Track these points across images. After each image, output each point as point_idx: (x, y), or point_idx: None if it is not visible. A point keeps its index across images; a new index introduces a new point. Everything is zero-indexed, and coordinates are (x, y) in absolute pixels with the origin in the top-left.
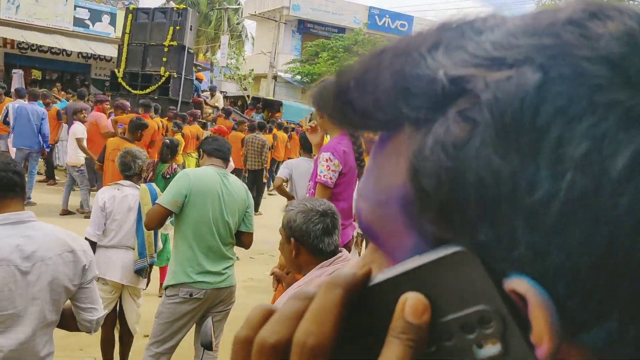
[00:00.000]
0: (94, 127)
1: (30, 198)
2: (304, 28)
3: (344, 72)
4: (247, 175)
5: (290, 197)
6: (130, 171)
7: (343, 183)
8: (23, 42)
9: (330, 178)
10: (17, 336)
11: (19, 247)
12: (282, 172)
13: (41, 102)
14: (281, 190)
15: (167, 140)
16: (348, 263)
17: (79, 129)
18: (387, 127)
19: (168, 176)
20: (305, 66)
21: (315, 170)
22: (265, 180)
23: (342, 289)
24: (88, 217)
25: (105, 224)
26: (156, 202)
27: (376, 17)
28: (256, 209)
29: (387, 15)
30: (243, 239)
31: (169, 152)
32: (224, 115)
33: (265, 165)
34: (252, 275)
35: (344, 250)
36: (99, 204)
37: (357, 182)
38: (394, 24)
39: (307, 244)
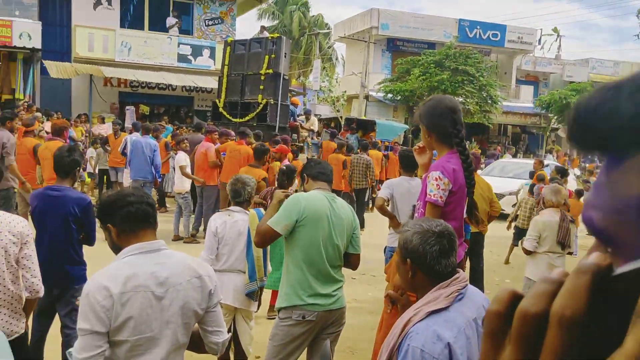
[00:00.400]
0: (203, 156)
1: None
2: (394, 46)
3: (583, 102)
4: (352, 194)
5: (392, 217)
6: (240, 197)
7: (453, 202)
8: (134, 81)
9: (441, 197)
10: (154, 358)
11: (153, 274)
12: (383, 192)
13: (152, 135)
14: (383, 210)
15: (284, 167)
16: (583, 259)
17: (181, 158)
18: (625, 150)
19: None
20: (397, 84)
21: (424, 189)
22: (373, 196)
23: (590, 275)
24: (187, 242)
25: (218, 249)
26: (268, 222)
27: (466, 29)
28: (362, 226)
29: (478, 27)
30: (351, 260)
31: (285, 178)
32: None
33: (370, 184)
34: (356, 296)
35: (461, 271)
36: (211, 230)
37: (467, 200)
38: (485, 35)
39: (423, 265)
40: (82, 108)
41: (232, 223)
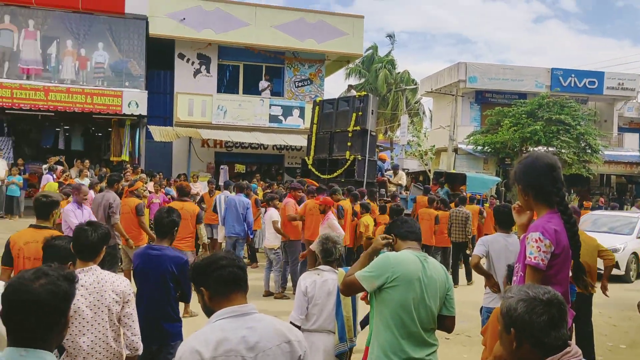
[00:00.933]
0: (283, 212)
1: None
2: (482, 98)
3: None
4: (451, 249)
5: (488, 276)
6: (331, 257)
7: (556, 265)
8: (229, 141)
9: (542, 260)
10: None
11: (244, 338)
12: (478, 250)
13: (245, 193)
14: (479, 269)
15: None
16: None
17: (274, 214)
18: None
19: None
20: (487, 136)
21: (523, 251)
22: (468, 252)
23: None
24: (278, 297)
25: (308, 308)
26: (356, 274)
27: (560, 77)
28: (469, 279)
29: (573, 75)
30: (445, 322)
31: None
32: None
33: (469, 237)
34: (450, 358)
35: (573, 345)
36: (301, 289)
37: (573, 263)
38: (581, 83)
39: (529, 336)
40: (181, 168)
41: (321, 282)
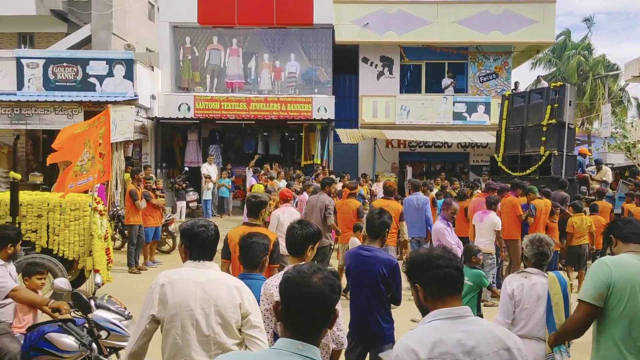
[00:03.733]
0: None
1: None
2: None
3: None
4: None
5: None
6: (547, 260)
7: None
8: (413, 141)
9: None
10: None
11: (460, 342)
12: None
13: (422, 191)
14: None
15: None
16: None
17: (498, 222)
18: None
19: None
20: None
21: None
22: None
23: None
24: (488, 305)
25: (515, 313)
26: (578, 298)
27: None
28: None
29: None
30: None
31: None
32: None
33: None
34: None
35: None
36: (507, 292)
37: None
38: None
39: None
40: (367, 169)
41: (529, 286)
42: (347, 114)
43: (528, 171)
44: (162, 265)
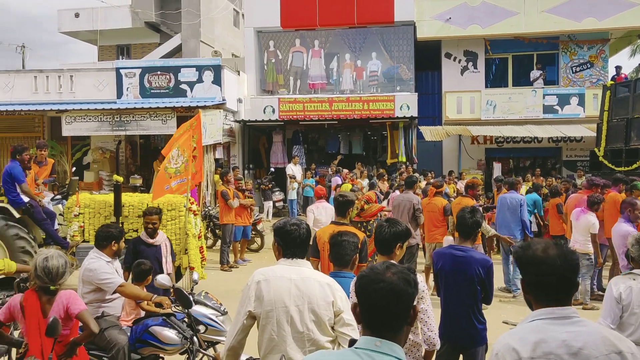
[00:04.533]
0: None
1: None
2: None
3: None
4: None
5: None
6: None
7: None
8: (499, 137)
9: None
10: None
11: (565, 342)
12: None
13: (514, 190)
14: None
15: None
16: None
17: (594, 224)
18: None
19: None
20: None
21: None
22: None
23: None
24: (587, 308)
25: (622, 318)
26: None
27: None
28: None
29: None
30: None
31: None
32: None
33: None
34: None
35: None
36: (613, 295)
37: None
38: None
39: None
40: (452, 166)
41: (639, 289)
42: (430, 110)
43: (635, 165)
44: (252, 263)
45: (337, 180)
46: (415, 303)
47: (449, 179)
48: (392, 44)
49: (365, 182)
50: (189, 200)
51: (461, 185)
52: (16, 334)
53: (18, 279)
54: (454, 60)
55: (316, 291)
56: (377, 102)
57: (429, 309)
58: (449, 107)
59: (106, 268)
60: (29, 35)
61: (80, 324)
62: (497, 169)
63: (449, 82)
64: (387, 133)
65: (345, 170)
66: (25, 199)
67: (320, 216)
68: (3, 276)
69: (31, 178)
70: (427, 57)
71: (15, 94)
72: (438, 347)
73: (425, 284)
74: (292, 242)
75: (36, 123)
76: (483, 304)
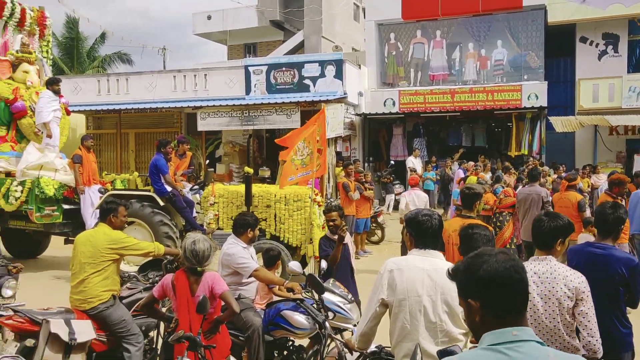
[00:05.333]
0: None
1: None
2: None
3: None
4: None
5: None
6: None
7: None
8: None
9: None
10: None
11: None
12: None
13: None
14: None
15: None
16: None
17: None
18: None
19: None
20: None
21: None
22: None
23: None
24: None
25: None
26: None
27: None
28: None
29: None
30: None
31: None
32: None
33: None
34: None
35: None
36: None
37: None
38: None
39: None
40: (586, 159)
41: None
42: (562, 100)
43: None
44: (372, 255)
45: (459, 173)
46: (572, 304)
47: (583, 173)
48: (519, 31)
49: (487, 176)
50: (314, 191)
51: (596, 179)
52: (162, 310)
53: (165, 261)
54: (591, 44)
55: (449, 282)
56: (502, 92)
57: (590, 311)
58: (583, 95)
59: (243, 253)
60: (168, 38)
61: (222, 303)
62: (638, 163)
63: (584, 69)
64: (512, 124)
65: (471, 163)
66: (168, 188)
67: (413, 202)
68: (152, 258)
69: (172, 170)
70: (558, 43)
71: (157, 93)
72: (600, 355)
73: (587, 285)
74: (424, 233)
75: (175, 119)
76: (628, 307)
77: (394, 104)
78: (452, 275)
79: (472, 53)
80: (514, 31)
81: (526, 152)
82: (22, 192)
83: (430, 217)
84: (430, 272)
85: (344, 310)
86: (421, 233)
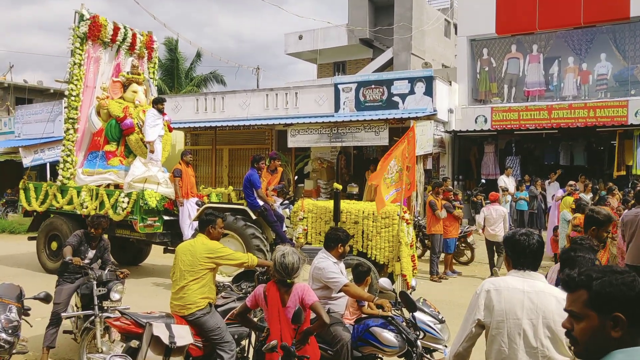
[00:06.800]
0: None
1: None
2: None
3: None
4: None
5: None
6: None
7: None
8: None
9: None
10: None
11: None
12: None
13: None
14: None
15: None
16: None
17: None
18: None
19: None
20: None
21: None
22: None
23: None
24: None
25: None
26: None
27: None
28: None
29: None
30: None
31: None
32: None
33: None
34: None
35: None
36: None
37: None
38: None
39: None
40: None
41: None
42: None
43: None
44: (461, 276)
45: (559, 192)
46: None
47: None
48: (626, 43)
49: (588, 197)
50: (402, 209)
51: None
52: (254, 320)
53: (258, 272)
54: None
55: (552, 306)
56: (605, 109)
57: None
58: None
59: (333, 267)
60: (259, 59)
61: (312, 315)
62: None
63: None
64: (616, 142)
65: (572, 182)
66: (260, 202)
67: (490, 215)
68: (245, 268)
69: (264, 185)
70: None
71: (250, 111)
72: None
73: None
74: (521, 253)
75: (266, 136)
76: None
77: (485, 120)
78: (585, 282)
79: (572, 67)
80: (619, 43)
81: (638, 172)
82: (128, 203)
83: (528, 236)
84: (530, 294)
85: (435, 330)
86: (518, 253)
